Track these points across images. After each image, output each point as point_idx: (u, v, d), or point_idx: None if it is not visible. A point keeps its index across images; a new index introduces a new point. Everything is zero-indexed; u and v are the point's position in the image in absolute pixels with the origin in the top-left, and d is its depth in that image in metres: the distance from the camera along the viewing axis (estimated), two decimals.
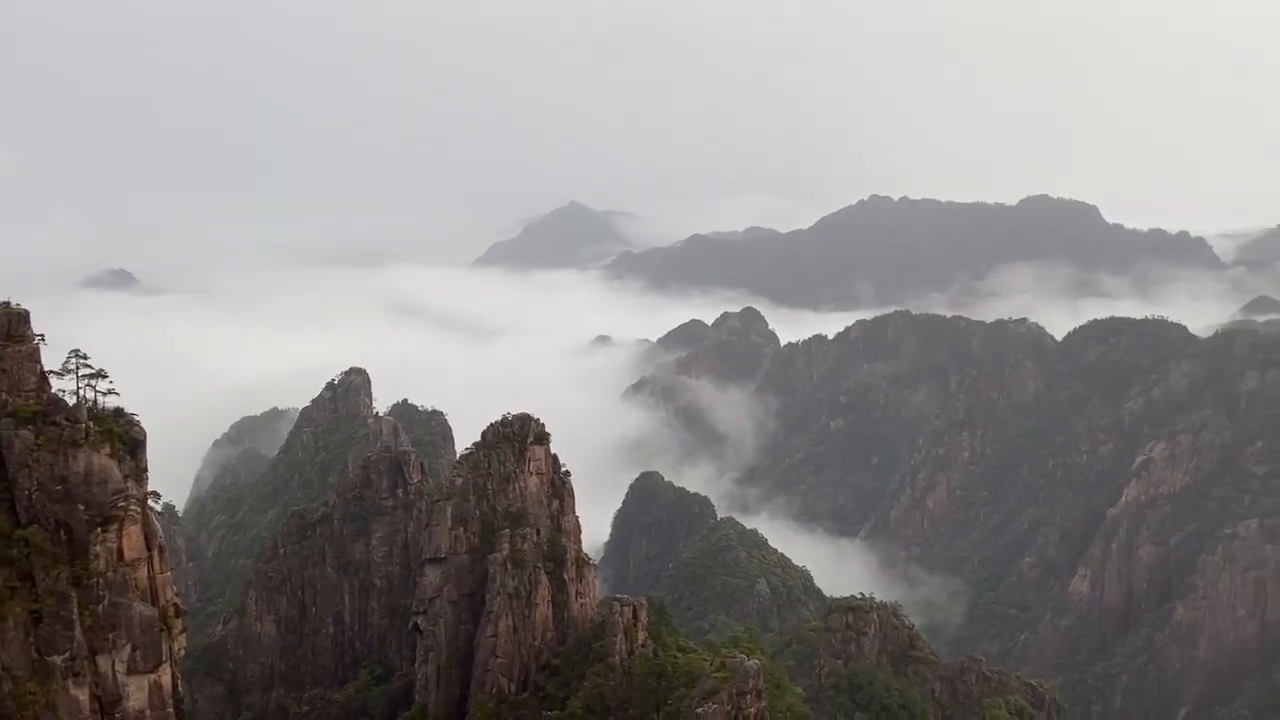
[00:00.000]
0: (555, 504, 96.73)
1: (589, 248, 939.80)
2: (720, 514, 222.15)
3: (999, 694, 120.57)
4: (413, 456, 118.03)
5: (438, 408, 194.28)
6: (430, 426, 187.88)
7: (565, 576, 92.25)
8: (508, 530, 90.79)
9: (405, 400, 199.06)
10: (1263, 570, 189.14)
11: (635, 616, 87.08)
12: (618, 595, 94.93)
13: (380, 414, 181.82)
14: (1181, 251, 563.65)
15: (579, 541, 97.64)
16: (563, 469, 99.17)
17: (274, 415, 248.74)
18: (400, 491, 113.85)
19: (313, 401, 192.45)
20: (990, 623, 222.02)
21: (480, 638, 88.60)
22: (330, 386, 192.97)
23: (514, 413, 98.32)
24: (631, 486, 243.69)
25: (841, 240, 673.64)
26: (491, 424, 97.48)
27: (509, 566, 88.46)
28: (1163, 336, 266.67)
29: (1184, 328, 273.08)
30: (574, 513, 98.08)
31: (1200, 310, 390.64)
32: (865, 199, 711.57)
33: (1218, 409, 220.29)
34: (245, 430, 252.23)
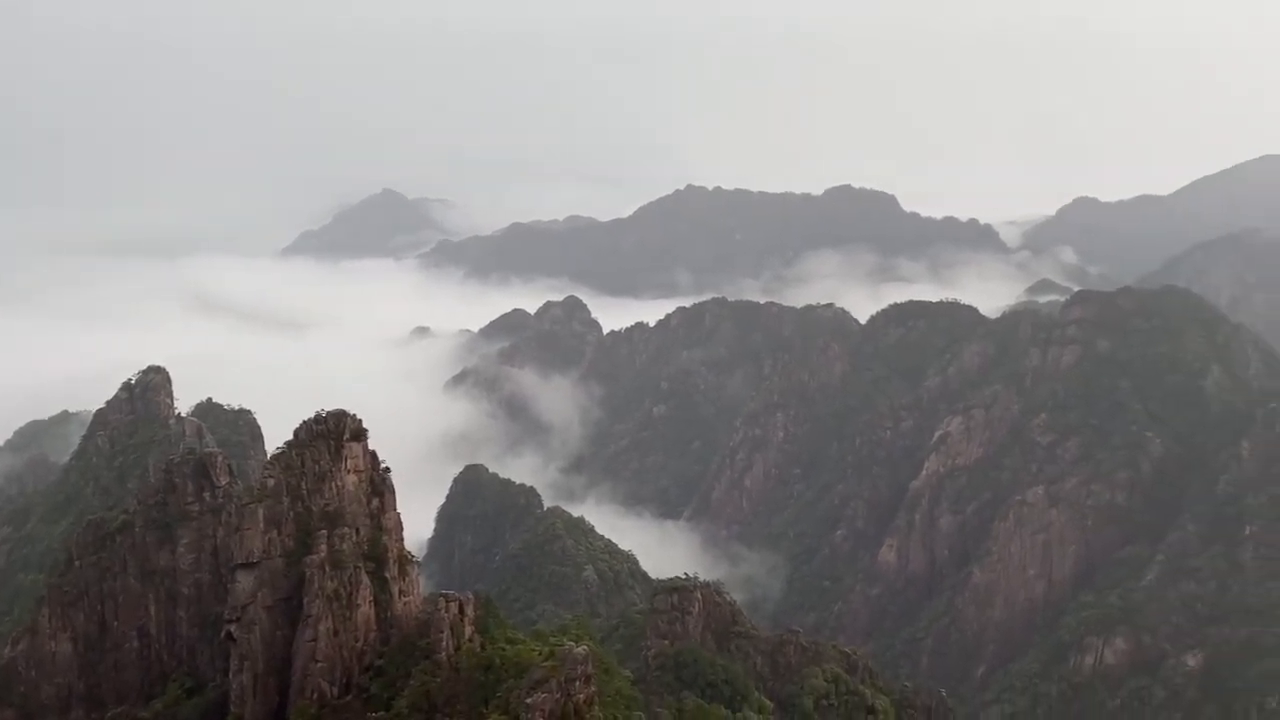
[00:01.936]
0: (375, 502, 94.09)
1: (404, 236, 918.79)
2: (547, 504, 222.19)
3: (816, 663, 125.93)
4: (219, 458, 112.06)
5: (245, 406, 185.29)
6: (238, 426, 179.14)
7: (387, 575, 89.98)
8: (325, 531, 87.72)
9: (209, 399, 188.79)
10: (1049, 533, 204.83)
11: (461, 611, 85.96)
12: (443, 591, 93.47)
13: (183, 414, 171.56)
14: (972, 238, 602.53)
15: (401, 539, 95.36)
16: (382, 465, 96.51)
17: (64, 419, 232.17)
18: (207, 495, 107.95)
19: (107, 403, 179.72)
20: (807, 595, 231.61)
21: (299, 643, 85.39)
22: (126, 387, 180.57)
23: (328, 409, 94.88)
24: (455, 480, 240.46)
25: (659, 229, 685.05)
26: (304, 421, 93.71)
27: (327, 568, 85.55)
28: (956, 318, 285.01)
29: (975, 309, 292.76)
30: (395, 510, 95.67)
31: (989, 292, 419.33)
32: (681, 189, 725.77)
33: (1006, 385, 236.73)
34: (31, 436, 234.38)
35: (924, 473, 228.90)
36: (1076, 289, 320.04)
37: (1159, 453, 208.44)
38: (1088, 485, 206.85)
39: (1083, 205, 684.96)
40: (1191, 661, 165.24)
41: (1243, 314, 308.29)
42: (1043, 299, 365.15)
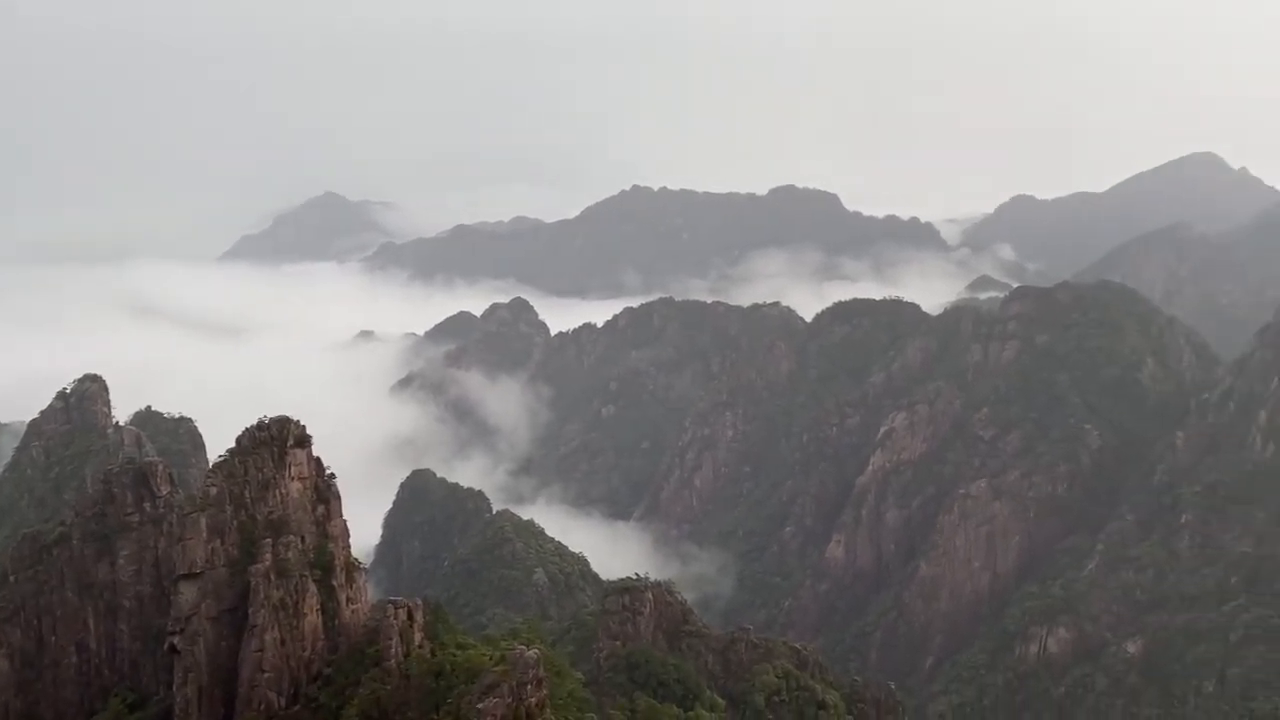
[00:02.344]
0: (320, 509, 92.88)
1: (347, 239, 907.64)
2: (496, 507, 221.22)
3: (767, 660, 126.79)
4: (160, 467, 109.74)
5: (185, 414, 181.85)
6: (178, 435, 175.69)
7: (334, 583, 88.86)
8: (269, 539, 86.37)
9: (149, 407, 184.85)
10: (992, 526, 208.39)
11: (410, 618, 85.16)
12: (392, 598, 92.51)
13: (121, 423, 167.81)
14: (913, 236, 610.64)
15: (348, 546, 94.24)
16: (328, 472, 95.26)
17: None
18: (148, 505, 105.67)
19: (41, 413, 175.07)
20: (757, 592, 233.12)
21: (244, 653, 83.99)
22: (62, 396, 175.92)
23: (271, 415, 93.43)
24: (402, 485, 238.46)
25: (606, 229, 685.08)
26: (247, 428, 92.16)
27: (272, 577, 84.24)
28: (899, 315, 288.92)
29: (917, 306, 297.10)
30: (341, 516, 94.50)
31: (931, 290, 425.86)
32: (627, 189, 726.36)
33: (949, 380, 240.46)
34: None
35: (870, 468, 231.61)
36: (1015, 285, 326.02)
37: (1097, 444, 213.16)
38: (1029, 478, 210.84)
39: (1020, 203, 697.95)
40: (1132, 648, 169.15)
41: (1175, 307, 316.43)
42: (983, 295, 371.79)
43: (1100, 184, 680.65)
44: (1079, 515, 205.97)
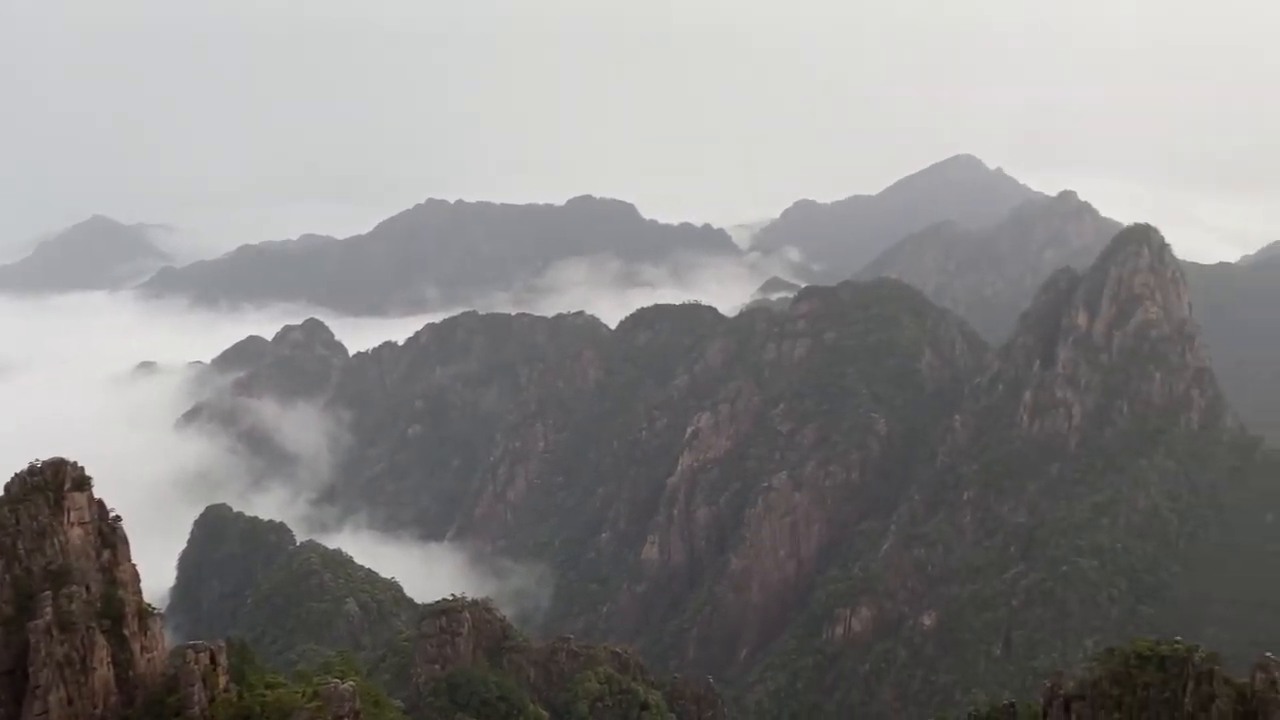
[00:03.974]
0: (106, 554, 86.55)
1: (120, 265, 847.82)
2: (300, 538, 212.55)
3: (589, 667, 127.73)
4: None
5: None
6: None
7: (126, 632, 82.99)
8: (49, 592, 79.83)
9: None
10: (795, 515, 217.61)
11: (213, 661, 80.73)
12: (191, 643, 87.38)
13: None
14: (707, 242, 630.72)
15: (139, 591, 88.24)
16: (112, 514, 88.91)
17: None
18: None
19: None
20: (575, 601, 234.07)
21: (27, 717, 77.34)
22: None
23: (44, 458, 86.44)
24: (196, 523, 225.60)
25: (402, 244, 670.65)
26: (16, 474, 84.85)
27: (55, 632, 77.86)
28: (698, 319, 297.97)
29: (715, 309, 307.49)
30: (130, 561, 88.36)
31: (726, 293, 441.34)
32: (422, 202, 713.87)
33: (748, 379, 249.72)
34: None
35: (679, 469, 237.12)
36: (803, 285, 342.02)
37: (885, 431, 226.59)
38: (826, 467, 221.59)
39: (803, 207, 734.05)
40: (928, 621, 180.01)
41: (946, 300, 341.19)
42: (774, 296, 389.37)
43: (873, 187, 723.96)
44: (873, 499, 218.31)
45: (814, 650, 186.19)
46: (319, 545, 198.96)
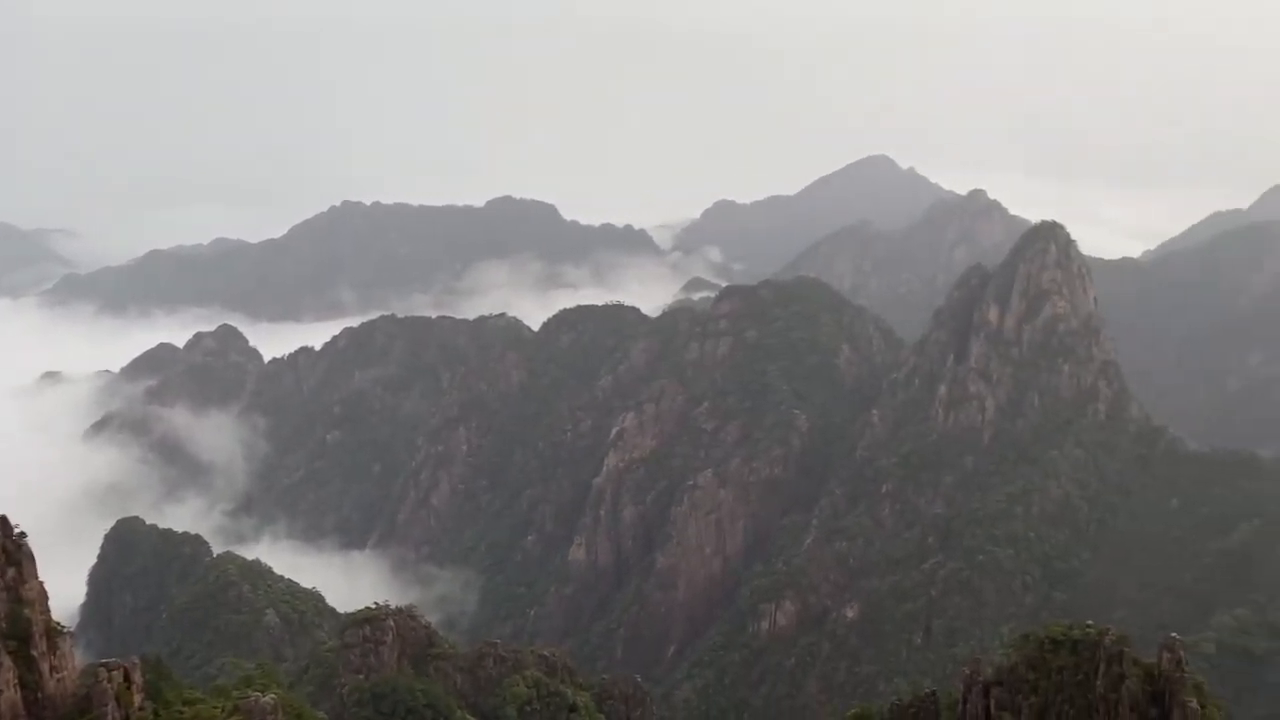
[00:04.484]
0: (11, 573, 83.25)
1: (20, 272, 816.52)
2: (216, 550, 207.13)
3: (517, 671, 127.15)
4: None
5: None
6: None
7: (34, 653, 79.97)
8: None
9: None
10: (720, 512, 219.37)
11: (127, 679, 78.34)
12: (104, 660, 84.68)
13: None
14: (628, 242, 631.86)
15: (47, 610, 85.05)
16: (16, 530, 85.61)
17: None
18: None
19: None
20: (502, 605, 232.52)
21: None
22: None
23: None
24: (107, 537, 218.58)
25: (318, 248, 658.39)
26: None
27: None
28: (621, 319, 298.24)
29: (637, 310, 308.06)
30: (36, 579, 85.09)
31: (649, 293, 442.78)
32: (337, 205, 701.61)
33: (671, 378, 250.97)
34: None
35: (605, 469, 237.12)
36: (724, 285, 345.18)
37: (806, 427, 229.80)
38: (749, 464, 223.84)
39: (723, 207, 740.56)
40: (850, 613, 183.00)
41: (863, 297, 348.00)
42: (696, 296, 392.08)
43: (792, 187, 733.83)
44: (796, 494, 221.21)
45: (740, 646, 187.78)
46: (237, 556, 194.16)
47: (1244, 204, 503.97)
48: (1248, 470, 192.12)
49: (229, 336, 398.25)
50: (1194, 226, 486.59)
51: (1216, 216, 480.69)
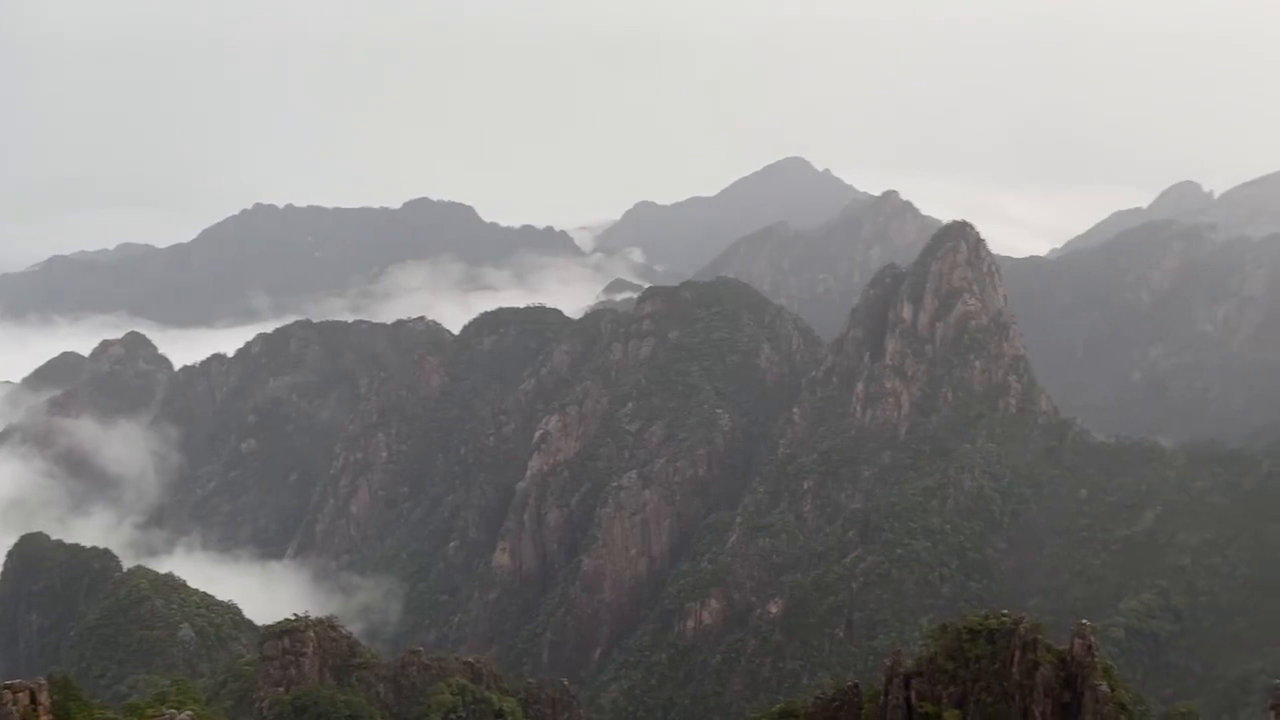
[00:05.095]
0: None
1: None
2: (127, 565, 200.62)
3: (441, 679, 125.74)
4: None
5: None
6: None
7: None
8: None
9: None
10: (645, 513, 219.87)
11: (34, 700, 75.46)
12: (8, 682, 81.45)
13: None
14: (549, 244, 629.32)
15: None
16: None
17: None
18: None
19: None
20: (425, 613, 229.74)
21: None
22: None
23: None
24: (10, 554, 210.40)
25: (229, 252, 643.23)
26: None
27: None
28: (543, 321, 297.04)
29: (560, 311, 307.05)
30: None
31: (570, 295, 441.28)
32: (248, 208, 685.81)
33: (595, 380, 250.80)
34: None
35: (529, 473, 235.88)
36: (647, 286, 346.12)
37: (728, 426, 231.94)
38: (673, 464, 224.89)
39: (644, 208, 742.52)
40: (774, 609, 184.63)
41: (782, 297, 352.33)
42: (619, 297, 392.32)
43: (711, 188, 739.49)
44: (719, 493, 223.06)
45: (667, 645, 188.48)
46: (148, 570, 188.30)
47: (1144, 203, 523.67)
48: (1151, 458, 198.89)
49: (137, 344, 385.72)
50: (1098, 225, 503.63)
51: (1118, 215, 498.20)
